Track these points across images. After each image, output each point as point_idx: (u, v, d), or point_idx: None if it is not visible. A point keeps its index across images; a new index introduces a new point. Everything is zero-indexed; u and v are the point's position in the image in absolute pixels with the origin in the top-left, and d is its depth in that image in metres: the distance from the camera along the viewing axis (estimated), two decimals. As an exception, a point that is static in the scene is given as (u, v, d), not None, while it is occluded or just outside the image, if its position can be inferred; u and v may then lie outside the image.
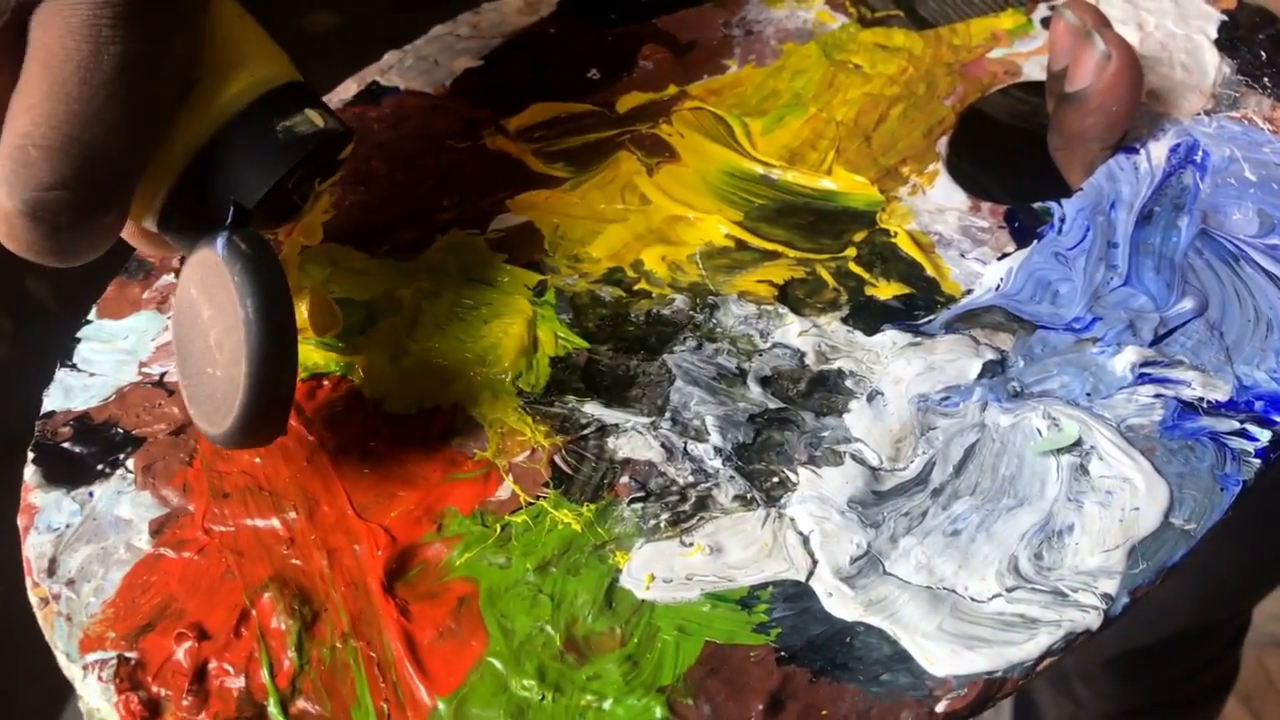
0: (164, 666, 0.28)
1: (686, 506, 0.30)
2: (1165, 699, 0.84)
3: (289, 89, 0.31)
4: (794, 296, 0.35)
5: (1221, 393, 0.31)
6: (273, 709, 0.27)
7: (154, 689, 0.28)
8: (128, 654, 0.29)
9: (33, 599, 0.30)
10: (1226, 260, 0.35)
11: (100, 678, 0.28)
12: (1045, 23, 0.44)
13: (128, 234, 0.33)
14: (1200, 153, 0.38)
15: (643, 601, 0.28)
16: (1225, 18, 0.42)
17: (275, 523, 0.31)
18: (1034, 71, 0.42)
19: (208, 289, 0.29)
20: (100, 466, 0.33)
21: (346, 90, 0.44)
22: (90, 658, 0.29)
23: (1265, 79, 0.40)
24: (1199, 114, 0.39)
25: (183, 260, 0.32)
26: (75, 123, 0.27)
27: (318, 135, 0.31)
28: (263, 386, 0.28)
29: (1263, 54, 0.41)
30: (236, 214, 0.30)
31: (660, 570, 0.29)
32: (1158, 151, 0.38)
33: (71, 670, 0.29)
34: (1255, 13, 0.42)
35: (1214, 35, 0.42)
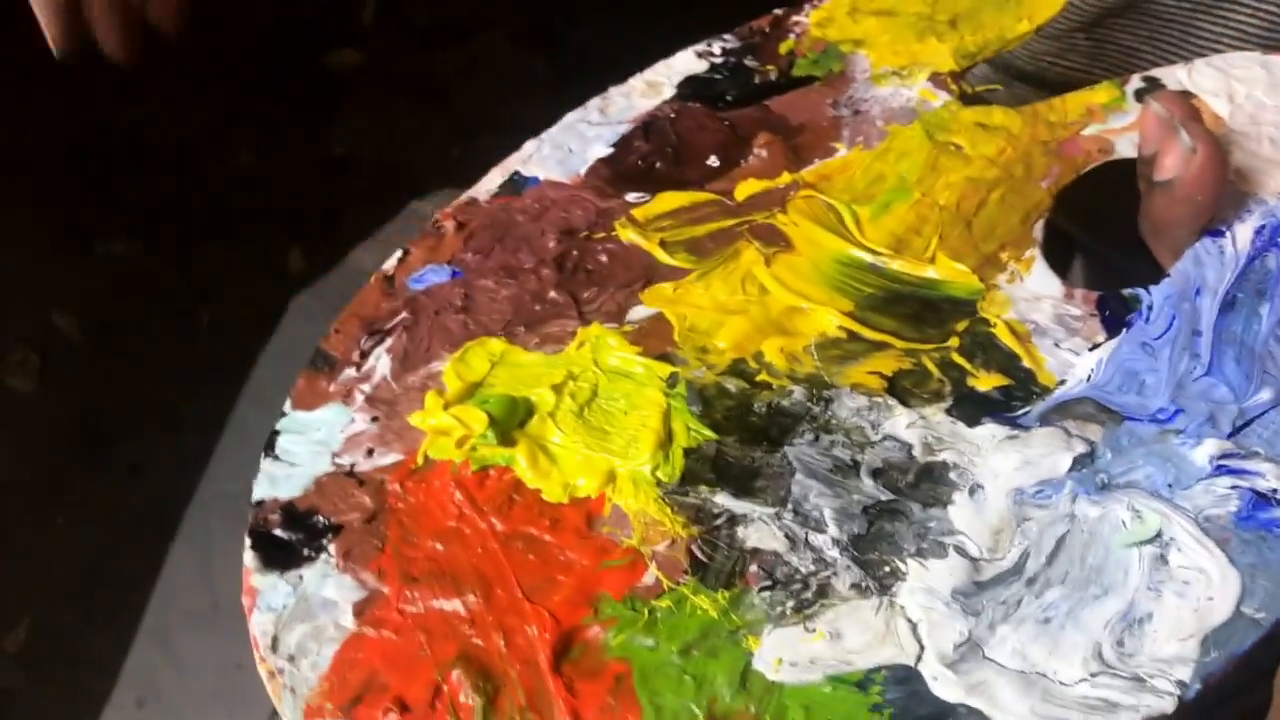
0: (376, 736, 0.34)
1: (809, 594, 0.35)
2: None
3: None
4: (901, 387, 0.39)
5: (1294, 484, 0.35)
6: (467, 774, 0.33)
7: (369, 755, 0.34)
8: (345, 724, 0.35)
9: (261, 672, 0.36)
10: (1305, 347, 0.37)
11: (325, 745, 0.34)
12: (1139, 95, 0.46)
13: None
14: (1284, 235, 0.40)
15: (773, 683, 0.33)
16: (1316, 86, 0.44)
17: (458, 604, 0.37)
18: (1126, 149, 0.45)
19: None
20: (306, 551, 0.39)
21: (491, 181, 0.49)
22: (315, 726, 0.35)
23: (1352, 153, 0.42)
24: None
25: None
26: None
27: None
28: None
29: (1351, 125, 0.43)
30: None
31: (787, 654, 0.34)
32: (1243, 234, 0.41)
33: (300, 736, 0.35)
34: (1345, 80, 0.44)
35: (1304, 105, 0.44)
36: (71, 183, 1.64)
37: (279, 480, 0.41)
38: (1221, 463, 0.35)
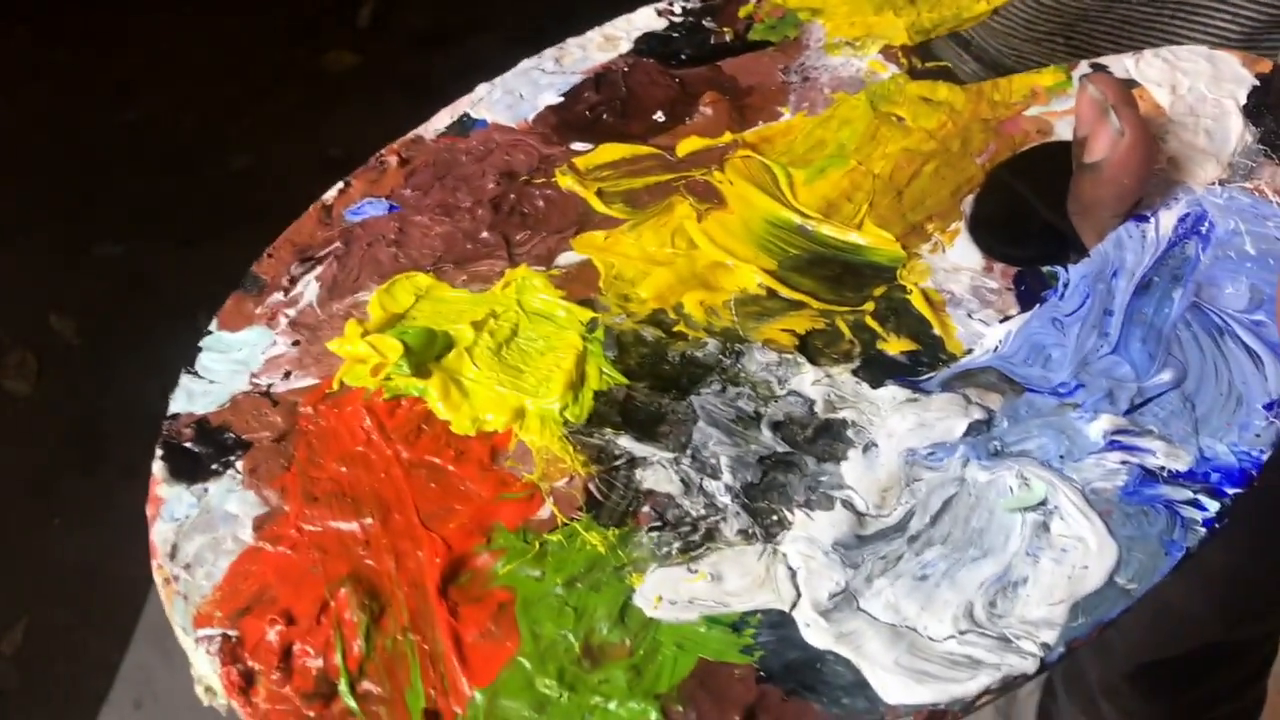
0: (258, 645, 0.35)
1: (696, 537, 0.35)
2: None
3: None
4: (813, 346, 0.40)
5: (1182, 463, 0.35)
6: (343, 688, 0.33)
7: (250, 663, 0.34)
8: (230, 632, 0.35)
9: (156, 578, 0.37)
10: (1211, 333, 0.38)
11: (209, 651, 0.35)
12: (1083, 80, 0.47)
13: None
14: (1207, 224, 0.41)
15: (650, 619, 0.34)
16: (1257, 82, 0.45)
17: (355, 526, 0.37)
18: (1065, 131, 0.45)
19: None
20: (214, 466, 0.39)
21: (439, 121, 0.50)
22: (201, 633, 0.35)
23: (1284, 149, 0.42)
24: (1213, 183, 0.42)
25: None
26: None
27: None
28: None
29: (1287, 122, 0.43)
30: None
31: (668, 592, 0.34)
32: (1167, 220, 0.41)
33: (186, 641, 0.35)
34: (1287, 78, 0.45)
35: (1243, 101, 0.44)
36: (69, 185, 1.64)
37: (196, 396, 0.42)
38: (1115, 438, 0.36)
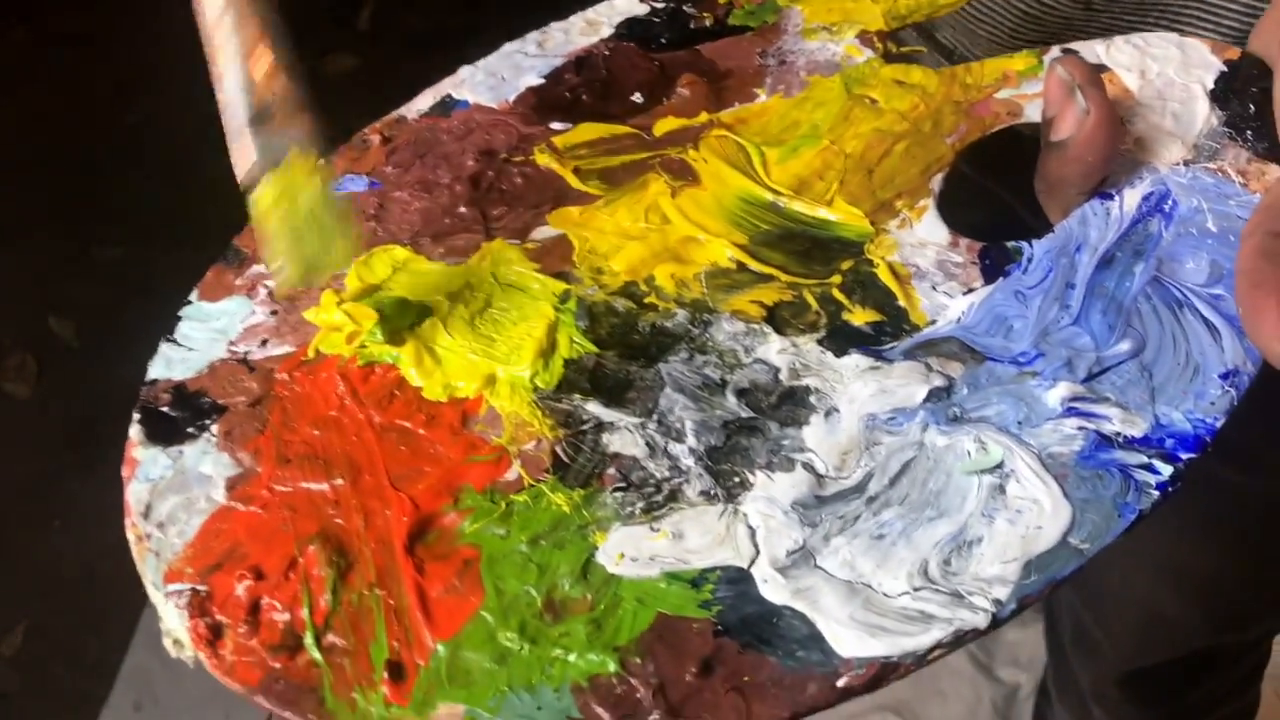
0: (227, 600, 0.35)
1: (659, 498, 0.36)
2: None
3: None
4: (780, 317, 0.40)
5: (1138, 429, 0.36)
6: (308, 640, 0.34)
7: (218, 617, 0.35)
8: (199, 587, 0.36)
9: (130, 536, 0.38)
10: (1171, 306, 0.38)
11: (177, 605, 0.35)
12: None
13: None
14: (1170, 202, 0.41)
15: (612, 575, 0.34)
16: (1225, 68, 0.45)
17: (325, 486, 0.38)
18: (1035, 113, 0.46)
19: None
20: (190, 429, 0.40)
21: (422, 102, 0.50)
22: (171, 588, 0.36)
23: (1248, 132, 0.43)
24: (1178, 164, 0.42)
25: None
26: None
27: None
28: None
29: (1252, 106, 0.44)
30: None
31: (629, 550, 0.35)
32: (1131, 198, 0.42)
33: (156, 596, 0.36)
34: (1254, 65, 0.45)
35: (1210, 86, 0.45)
36: (69, 187, 1.65)
37: (174, 363, 0.42)
38: (1072, 405, 0.36)
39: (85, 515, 1.34)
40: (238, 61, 0.40)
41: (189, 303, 0.44)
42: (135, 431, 0.40)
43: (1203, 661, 0.80)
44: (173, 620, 0.35)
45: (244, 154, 0.40)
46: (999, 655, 1.16)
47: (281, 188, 0.40)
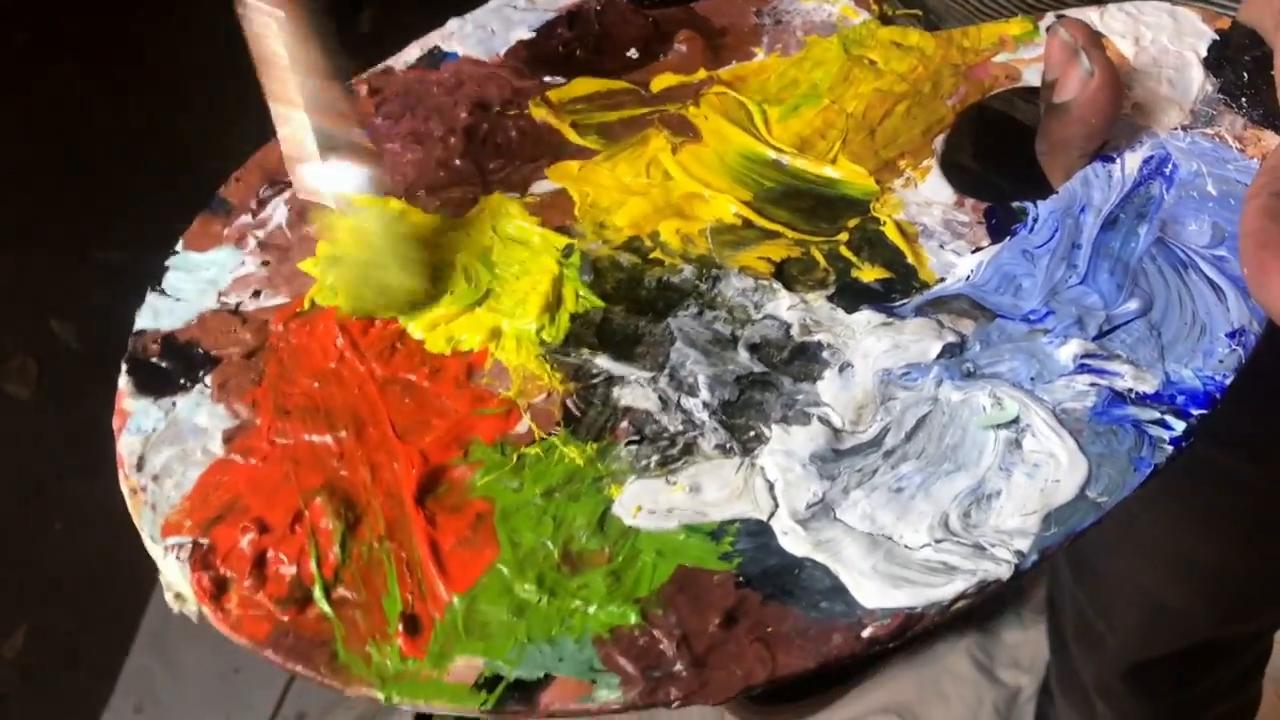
0: (230, 553, 0.34)
1: (674, 451, 0.35)
2: None
3: None
4: (788, 274, 0.40)
5: (1149, 386, 0.36)
6: (317, 594, 0.33)
7: (222, 570, 0.34)
8: (201, 540, 0.35)
9: (124, 489, 0.36)
10: (1176, 267, 0.39)
11: (178, 558, 0.34)
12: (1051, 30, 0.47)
13: None
14: (1170, 166, 0.42)
15: (629, 528, 0.34)
16: (1217, 37, 0.46)
17: (328, 439, 0.37)
18: (1033, 77, 0.46)
19: None
20: (182, 381, 0.39)
21: (409, 54, 0.49)
22: (170, 541, 0.35)
23: (1243, 99, 0.44)
24: (1176, 129, 0.43)
25: None
26: None
27: None
28: None
29: (1245, 74, 0.44)
30: None
31: (646, 503, 0.34)
32: (1132, 162, 0.42)
33: (155, 550, 0.35)
34: (1245, 34, 0.46)
35: (1204, 53, 0.45)
36: (69, 190, 1.60)
37: (162, 313, 0.41)
38: (1084, 361, 0.36)
39: (86, 518, 1.32)
40: (305, 102, 0.40)
41: (175, 252, 0.43)
42: (124, 382, 0.39)
43: (1207, 653, 0.80)
44: (173, 574, 0.34)
45: (311, 192, 0.40)
46: (1000, 658, 1.16)
47: (349, 225, 0.39)
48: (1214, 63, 0.45)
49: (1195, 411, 0.35)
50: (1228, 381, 0.36)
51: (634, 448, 0.36)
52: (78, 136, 1.66)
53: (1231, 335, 0.37)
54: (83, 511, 1.33)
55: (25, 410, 1.41)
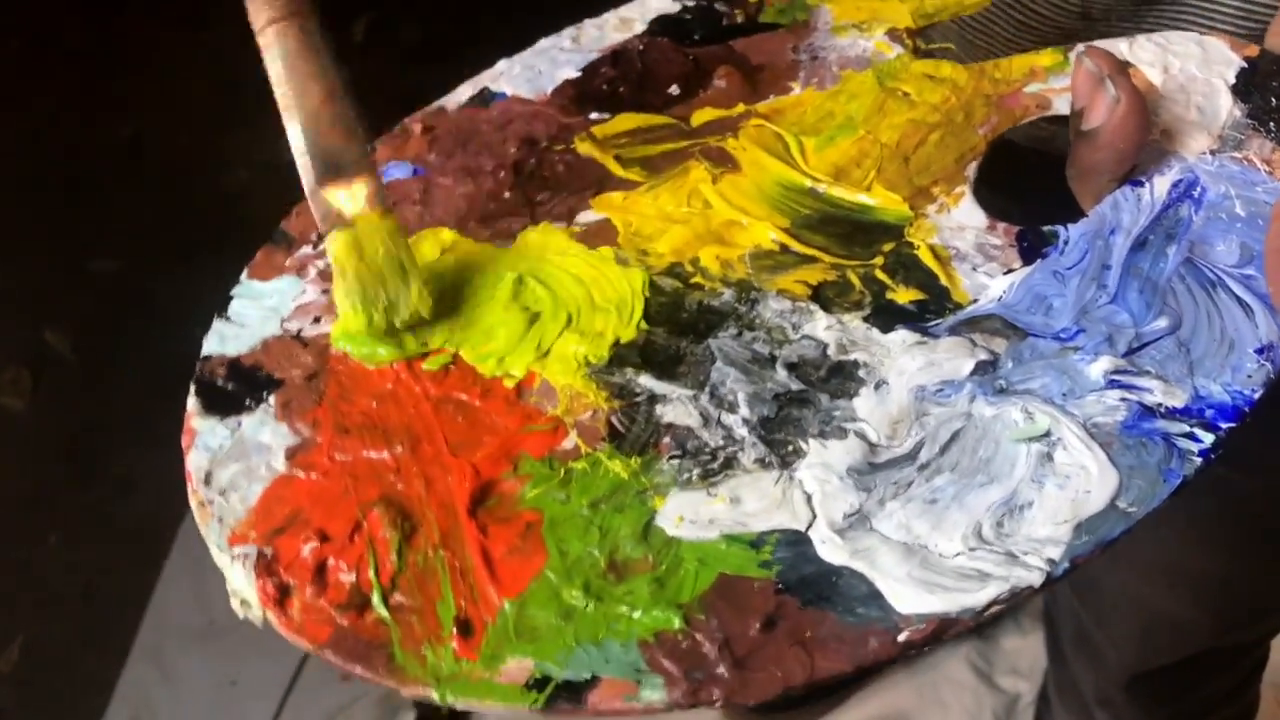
0: (293, 561, 0.36)
1: (715, 465, 0.37)
2: None
3: None
4: (825, 296, 0.41)
5: (1179, 400, 0.37)
6: (376, 600, 0.35)
7: (285, 578, 0.36)
8: (265, 549, 0.36)
9: (192, 503, 0.38)
10: (1205, 286, 0.40)
11: (244, 566, 0.36)
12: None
13: None
14: (1198, 188, 0.43)
15: (672, 537, 0.35)
16: (1245, 65, 0.47)
17: (385, 455, 0.38)
18: (1064, 106, 0.47)
19: None
20: (247, 401, 0.41)
21: (462, 94, 0.52)
22: (236, 550, 0.36)
23: (1272, 123, 0.45)
24: (1204, 153, 0.44)
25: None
26: None
27: None
28: None
29: (1274, 100, 0.45)
30: None
31: (688, 514, 0.36)
32: (1161, 185, 0.43)
33: (221, 559, 0.37)
34: (1274, 61, 0.47)
35: (1232, 81, 0.46)
36: (64, 200, 1.64)
37: (228, 339, 0.43)
38: (1114, 378, 0.37)
39: (81, 529, 1.33)
40: (307, 116, 0.42)
41: (239, 282, 0.45)
42: (193, 403, 0.41)
43: (1206, 662, 0.81)
44: (239, 581, 0.36)
45: (317, 208, 0.42)
46: (999, 664, 1.17)
47: (352, 240, 0.41)
48: (1243, 89, 0.46)
49: (1224, 425, 0.36)
50: (1256, 395, 0.37)
51: (676, 461, 0.37)
52: (74, 147, 1.69)
53: (1260, 351, 0.38)
54: (77, 522, 1.33)
55: (20, 421, 1.43)
